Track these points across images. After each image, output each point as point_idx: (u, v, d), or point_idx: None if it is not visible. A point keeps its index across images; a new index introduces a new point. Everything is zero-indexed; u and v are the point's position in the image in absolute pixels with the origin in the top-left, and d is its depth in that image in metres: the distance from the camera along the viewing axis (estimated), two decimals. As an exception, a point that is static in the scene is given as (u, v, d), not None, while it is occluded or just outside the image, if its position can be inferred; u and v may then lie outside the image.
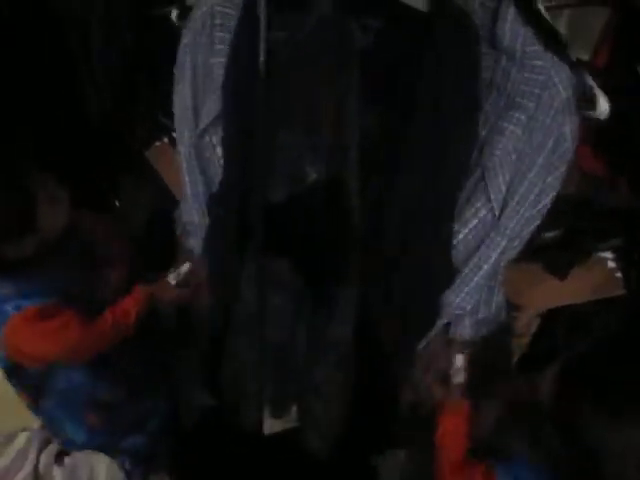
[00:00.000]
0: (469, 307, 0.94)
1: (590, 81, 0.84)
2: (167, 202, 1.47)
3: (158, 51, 1.34)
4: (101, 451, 1.21)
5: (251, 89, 0.90)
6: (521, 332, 1.27)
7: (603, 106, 0.83)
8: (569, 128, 0.83)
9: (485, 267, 0.89)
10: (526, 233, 0.91)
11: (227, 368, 1.17)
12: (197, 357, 1.33)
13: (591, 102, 0.85)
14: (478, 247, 0.88)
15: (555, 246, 1.16)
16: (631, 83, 1.11)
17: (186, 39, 1.02)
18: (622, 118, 1.20)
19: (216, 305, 1.15)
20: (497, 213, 0.85)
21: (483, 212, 0.86)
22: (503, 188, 0.83)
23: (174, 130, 1.49)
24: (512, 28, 0.78)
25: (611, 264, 1.23)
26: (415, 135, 0.81)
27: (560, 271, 1.17)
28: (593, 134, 1.29)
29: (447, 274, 0.90)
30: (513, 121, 0.81)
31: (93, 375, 1.17)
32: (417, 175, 0.82)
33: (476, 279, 0.90)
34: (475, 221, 0.86)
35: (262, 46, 0.87)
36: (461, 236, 0.88)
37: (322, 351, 1.02)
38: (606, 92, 1.21)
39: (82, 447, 1.21)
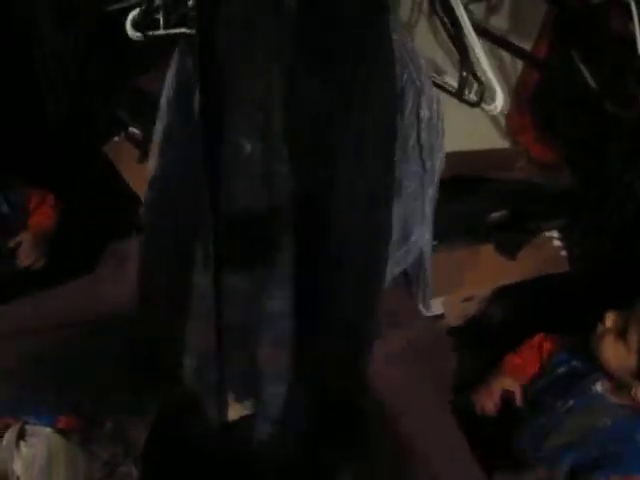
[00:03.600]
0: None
1: (488, 75, 0.87)
2: (126, 197, 1.47)
3: (116, 45, 1.35)
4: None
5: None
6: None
7: (498, 100, 0.86)
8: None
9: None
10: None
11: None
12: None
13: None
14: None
15: (504, 227, 1.22)
16: (571, 71, 1.16)
17: None
18: (566, 106, 1.27)
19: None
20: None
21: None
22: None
23: (131, 125, 1.52)
24: None
25: (557, 243, 1.29)
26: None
27: (509, 252, 1.23)
28: (541, 123, 1.36)
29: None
30: None
31: None
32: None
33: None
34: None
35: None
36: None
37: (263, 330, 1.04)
38: (549, 80, 1.28)
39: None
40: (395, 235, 0.91)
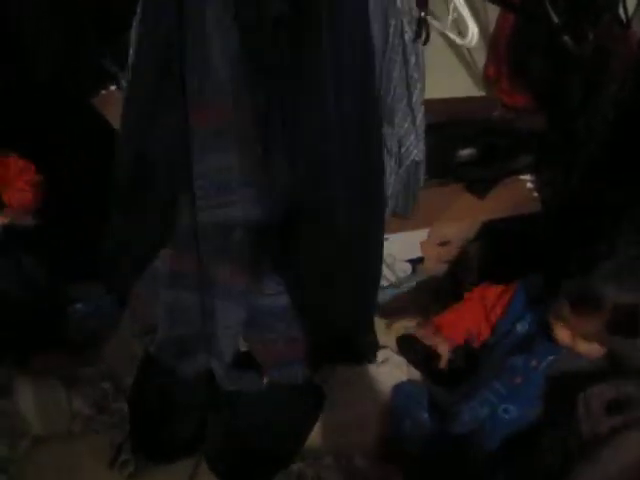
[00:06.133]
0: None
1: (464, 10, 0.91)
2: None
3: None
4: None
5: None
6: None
7: (472, 32, 0.91)
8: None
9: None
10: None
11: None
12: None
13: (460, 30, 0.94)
14: None
15: (474, 165, 1.26)
16: (541, 15, 1.19)
17: None
18: (538, 51, 1.31)
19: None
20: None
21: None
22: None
23: (122, 78, 1.54)
24: None
25: (529, 185, 1.34)
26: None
27: (479, 191, 1.27)
28: (515, 71, 1.40)
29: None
30: None
31: None
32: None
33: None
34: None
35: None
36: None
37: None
38: (523, 27, 1.32)
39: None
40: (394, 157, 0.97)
